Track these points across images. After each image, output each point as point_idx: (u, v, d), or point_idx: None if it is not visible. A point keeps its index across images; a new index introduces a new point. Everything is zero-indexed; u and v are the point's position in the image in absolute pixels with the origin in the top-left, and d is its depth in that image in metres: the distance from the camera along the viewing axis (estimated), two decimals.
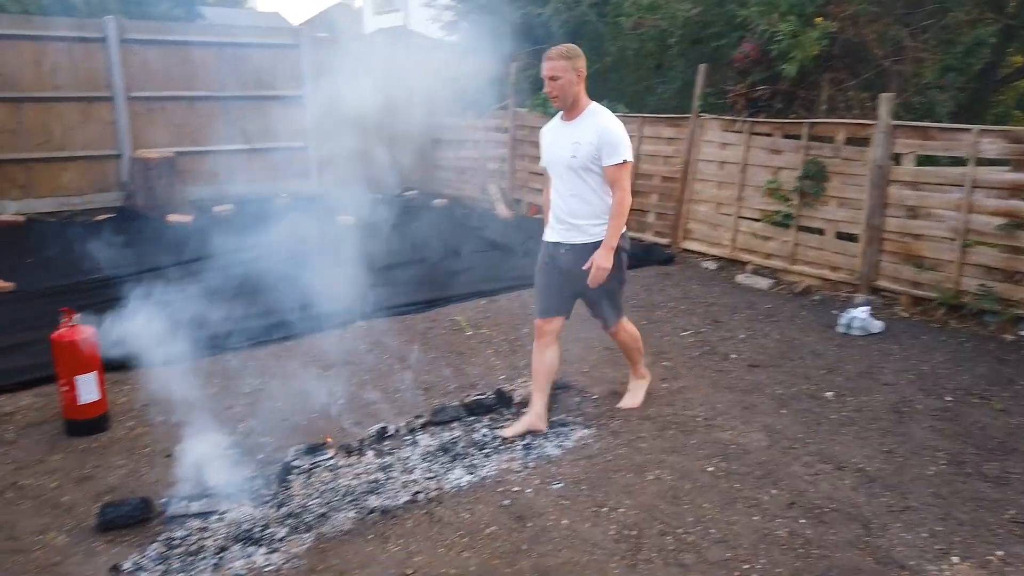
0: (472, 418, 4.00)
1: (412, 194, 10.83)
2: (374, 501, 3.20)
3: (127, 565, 2.74)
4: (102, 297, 5.76)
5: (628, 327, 4.03)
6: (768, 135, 6.86)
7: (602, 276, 3.59)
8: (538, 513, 3.12)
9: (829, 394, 4.30)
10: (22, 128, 8.22)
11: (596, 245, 3.62)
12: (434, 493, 3.26)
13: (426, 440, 3.75)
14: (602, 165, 3.57)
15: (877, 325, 5.29)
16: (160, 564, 2.77)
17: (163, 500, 3.14)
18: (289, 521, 3.05)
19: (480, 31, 10.84)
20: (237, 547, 2.88)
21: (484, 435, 3.81)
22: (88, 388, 3.69)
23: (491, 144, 10.36)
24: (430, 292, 6.29)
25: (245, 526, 3.01)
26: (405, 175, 11.47)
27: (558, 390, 4.26)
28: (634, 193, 8.37)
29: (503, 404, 4.13)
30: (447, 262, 7.41)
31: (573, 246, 3.70)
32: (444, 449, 3.67)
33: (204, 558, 2.81)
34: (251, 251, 7.11)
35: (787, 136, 6.70)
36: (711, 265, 7.19)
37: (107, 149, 8.75)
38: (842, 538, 2.94)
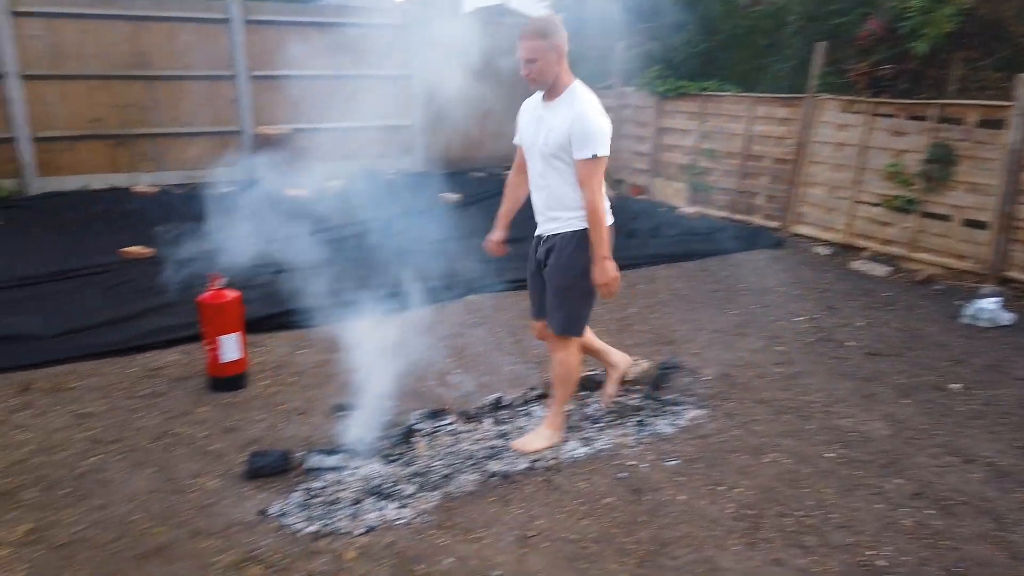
0: (584, 392, 4.08)
1: None
2: (494, 466, 3.33)
3: (273, 510, 2.97)
4: (231, 264, 6.15)
5: (573, 353, 3.43)
6: (891, 116, 6.58)
7: (611, 289, 3.19)
8: (654, 487, 3.17)
9: (955, 386, 4.15)
10: (156, 105, 8.77)
11: (574, 235, 3.20)
12: (551, 462, 3.37)
13: (540, 412, 3.86)
14: (573, 157, 3.07)
15: (1007, 317, 5.04)
16: (302, 511, 2.98)
17: (301, 454, 3.37)
18: (416, 479, 3.22)
19: (584, 8, 10.81)
20: (370, 500, 3.07)
21: (596, 409, 3.89)
22: (230, 347, 3.97)
23: None
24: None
25: (376, 481, 3.20)
26: (507, 154, 11.61)
27: (669, 370, 4.28)
28: (743, 175, 8.36)
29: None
30: None
31: (551, 237, 3.27)
32: None
33: (341, 508, 3.01)
34: (362, 224, 7.41)
35: (912, 118, 6.41)
36: (824, 250, 6.99)
37: (230, 125, 9.23)
38: (972, 531, 2.87)
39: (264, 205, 8.31)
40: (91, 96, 8.42)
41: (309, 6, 10.13)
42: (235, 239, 6.91)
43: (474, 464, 3.36)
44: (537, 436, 3.50)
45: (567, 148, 3.06)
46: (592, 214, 3.10)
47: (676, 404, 3.94)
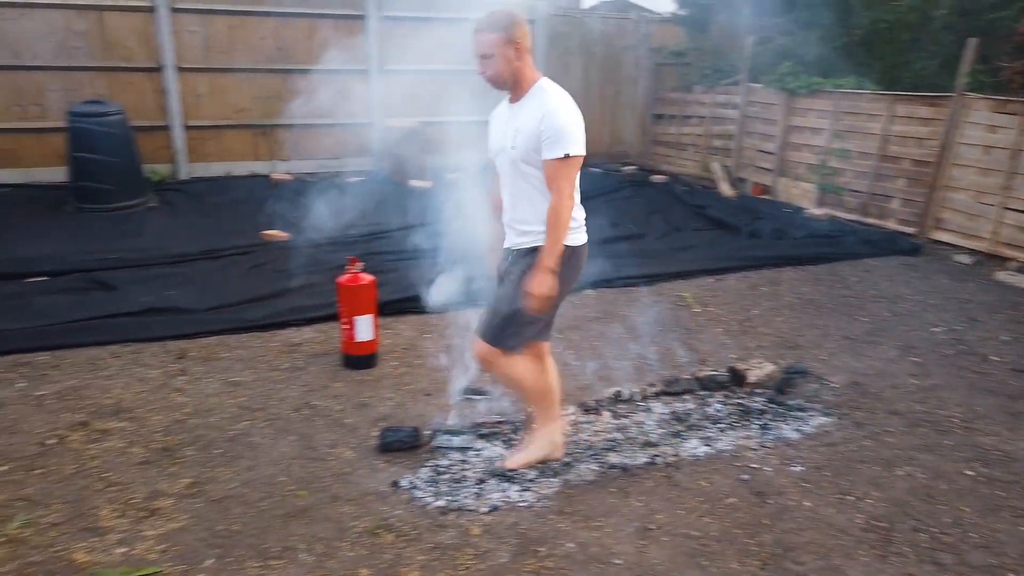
0: (705, 392, 4.05)
1: (630, 169, 10.88)
2: (614, 458, 3.38)
3: (404, 483, 3.14)
4: (361, 250, 6.47)
5: (508, 369, 3.04)
6: None
7: (541, 306, 2.82)
8: (778, 491, 3.13)
9: None
10: (294, 97, 9.27)
11: (527, 252, 2.90)
12: (672, 459, 3.37)
13: (659, 408, 3.87)
14: (541, 158, 2.74)
15: None
16: (431, 486, 3.13)
17: (429, 432, 3.53)
18: (537, 465, 3.31)
19: (712, 3, 10.58)
20: (493, 481, 3.18)
21: (718, 410, 3.85)
22: (365, 328, 4.20)
23: (717, 120, 10.12)
24: (653, 266, 6.34)
25: (499, 464, 3.31)
26: (624, 150, 11.55)
27: (794, 375, 4.18)
28: (878, 176, 7.97)
29: (736, 382, 4.13)
30: (669, 238, 7.41)
31: (518, 251, 2.95)
32: (679, 419, 3.76)
33: (466, 486, 3.14)
34: (480, 216, 7.58)
35: None
36: (965, 259, 6.59)
37: (361, 118, 9.65)
38: None
39: (390, 195, 8.68)
40: (238, 88, 9.02)
41: (441, 2, 10.42)
42: (363, 226, 7.27)
43: (593, 454, 3.41)
44: (531, 446, 3.26)
45: (538, 150, 2.74)
46: (553, 217, 2.74)
47: (801, 410, 3.85)
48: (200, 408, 3.74)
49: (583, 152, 2.77)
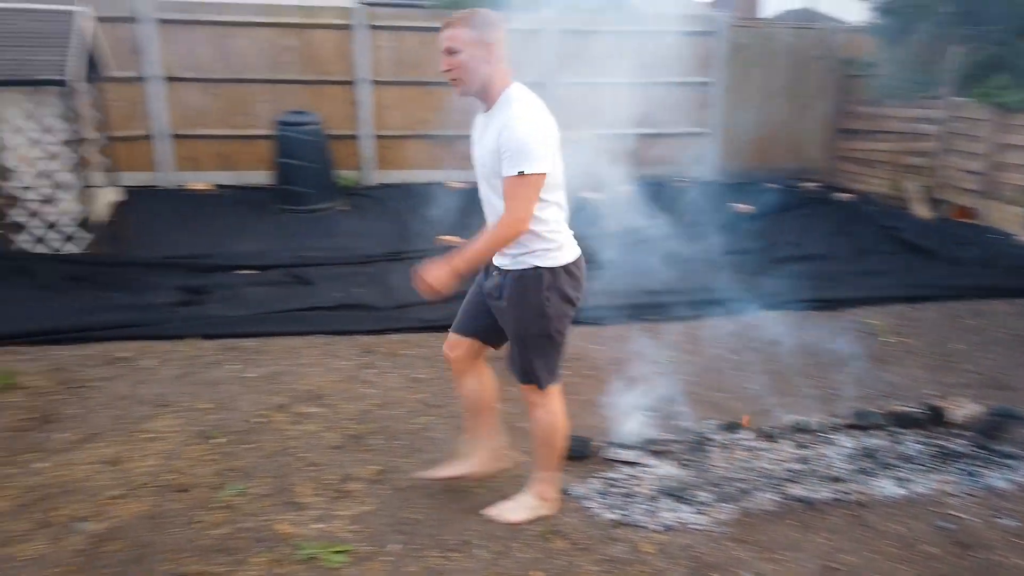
0: (898, 429, 3.76)
1: (812, 186, 10.34)
2: (795, 489, 3.21)
3: (575, 492, 3.16)
4: None
5: (553, 406, 2.90)
6: None
7: (423, 288, 2.60)
8: (985, 545, 2.84)
9: None
10: (472, 109, 9.63)
11: (518, 274, 2.67)
12: (860, 497, 3.16)
13: (845, 442, 3.64)
14: (500, 175, 2.51)
15: None
16: (602, 498, 3.14)
17: (600, 443, 3.53)
18: (712, 489, 3.21)
19: (909, 11, 9.83)
20: (666, 500, 3.13)
21: (914, 449, 3.56)
22: None
23: (913, 136, 9.38)
24: (837, 290, 5.98)
25: (671, 483, 3.25)
26: (806, 166, 10.99)
27: (1003, 418, 3.78)
28: None
29: (935, 421, 3.81)
30: (854, 261, 6.97)
31: (500, 271, 2.74)
32: (868, 455, 3.52)
33: (637, 502, 3.11)
34: (647, 230, 7.50)
35: None
36: None
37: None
38: None
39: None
40: (422, 100, 9.51)
41: (615, 14, 10.46)
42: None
43: (773, 484, 3.27)
44: (519, 505, 2.99)
45: (498, 165, 2.50)
46: (494, 231, 2.53)
47: (1013, 458, 3.48)
48: (386, 400, 3.97)
49: (542, 170, 2.47)
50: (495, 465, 3.16)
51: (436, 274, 2.56)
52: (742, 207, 8.70)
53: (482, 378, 3.05)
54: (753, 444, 3.60)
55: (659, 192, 9.56)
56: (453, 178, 9.75)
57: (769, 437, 3.67)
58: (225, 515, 2.91)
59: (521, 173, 2.43)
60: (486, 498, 3.08)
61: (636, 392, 4.01)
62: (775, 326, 5.23)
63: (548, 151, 2.50)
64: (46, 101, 6.06)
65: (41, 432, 3.50)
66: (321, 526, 2.87)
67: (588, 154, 9.33)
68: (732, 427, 3.73)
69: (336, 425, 3.67)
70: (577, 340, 4.87)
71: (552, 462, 2.96)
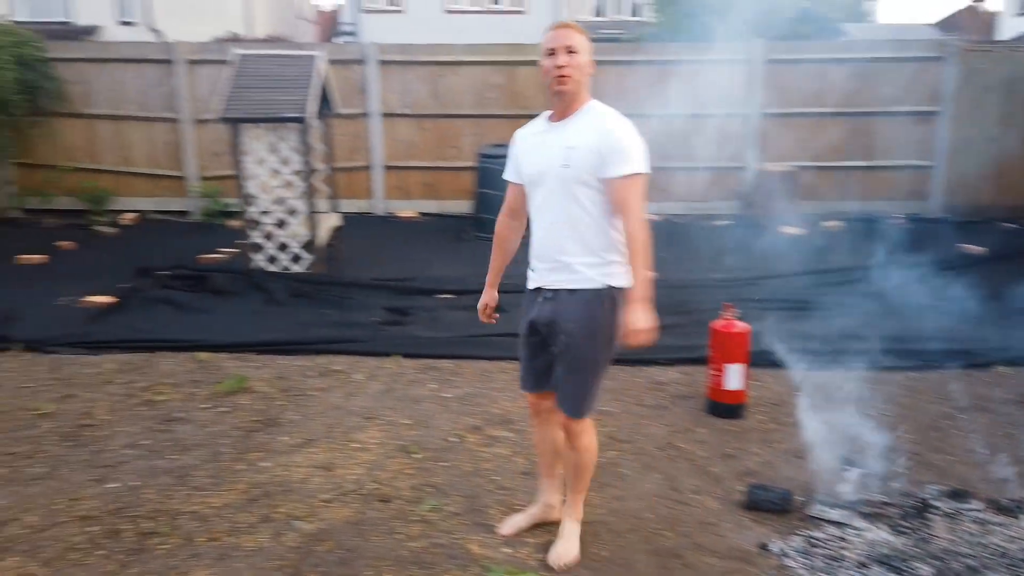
0: None
1: None
2: None
3: (774, 548, 2.96)
4: (729, 295, 6.35)
5: (592, 434, 2.85)
6: None
7: (643, 339, 2.48)
8: None
9: None
10: (670, 141, 9.52)
11: (590, 293, 2.59)
12: None
13: None
14: (605, 177, 2.51)
15: None
16: (804, 557, 2.91)
17: (801, 498, 3.29)
18: (934, 562, 2.87)
19: None
20: (878, 569, 2.85)
21: None
22: (735, 377, 4.10)
23: None
24: None
25: (884, 550, 2.95)
26: None
27: None
28: None
29: None
30: None
31: (557, 292, 2.65)
32: None
33: (845, 567, 2.85)
34: (862, 270, 6.95)
35: None
36: None
37: (735, 161, 9.56)
38: None
39: (757, 241, 8.44)
40: None
41: (832, 44, 9.93)
42: (730, 271, 7.15)
43: (1010, 565, 2.86)
44: (568, 538, 2.91)
45: (597, 168, 2.51)
46: (636, 240, 2.50)
47: None
48: None
49: (649, 171, 2.56)
50: (559, 511, 3.08)
51: (643, 320, 2.49)
52: (972, 248, 7.83)
53: (557, 426, 2.96)
54: (985, 517, 3.18)
55: (874, 229, 8.88)
56: (649, 210, 9.68)
57: (1006, 511, 3.23)
58: (421, 529, 3.05)
59: (635, 173, 2.51)
60: (674, 543, 2.98)
61: (845, 446, 3.71)
62: (1010, 383, 4.63)
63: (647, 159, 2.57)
64: (286, 136, 6.81)
65: (266, 433, 3.88)
66: (509, 551, 2.92)
67: (789, 187, 8.89)
68: (959, 495, 3.32)
69: (524, 451, 3.73)
70: (777, 384, 4.61)
71: (585, 487, 2.98)
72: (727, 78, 9.36)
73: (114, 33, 21.60)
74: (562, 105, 2.63)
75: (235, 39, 13.89)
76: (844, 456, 3.64)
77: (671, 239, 8.53)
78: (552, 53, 2.57)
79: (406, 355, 4.99)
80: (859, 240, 8.38)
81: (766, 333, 5.35)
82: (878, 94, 9.31)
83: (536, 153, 2.69)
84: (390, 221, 9.37)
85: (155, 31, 20.57)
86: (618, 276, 2.64)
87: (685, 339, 5.31)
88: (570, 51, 2.55)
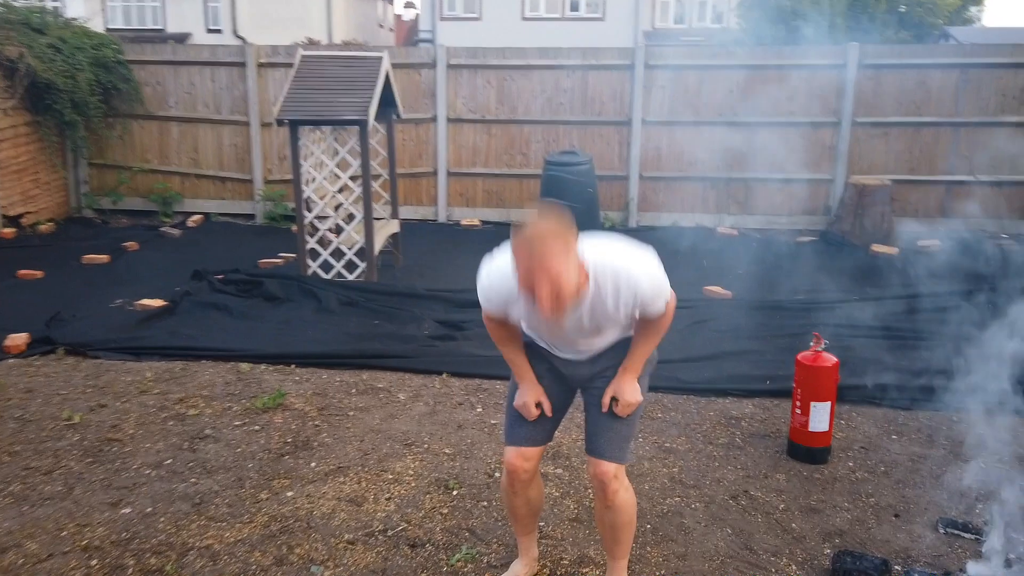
0: None
1: None
2: None
3: None
4: (812, 319, 5.78)
5: (629, 484, 2.56)
6: None
7: (629, 411, 2.44)
8: None
9: None
10: (752, 150, 8.95)
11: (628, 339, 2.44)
12: None
13: None
14: (644, 315, 2.34)
15: None
16: None
17: (902, 569, 2.78)
18: None
19: None
20: None
21: None
22: (821, 417, 3.58)
23: None
24: None
25: None
26: None
27: None
28: None
29: None
30: None
31: (601, 353, 2.47)
32: None
33: None
34: (963, 294, 6.24)
35: None
36: None
37: (823, 173, 8.89)
38: None
39: (845, 260, 7.77)
40: (695, 140, 9.01)
41: (936, 47, 9.16)
42: (814, 292, 6.54)
43: None
44: None
45: (625, 318, 2.31)
46: (657, 333, 2.39)
47: None
48: (633, 472, 3.53)
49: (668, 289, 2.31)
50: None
51: (637, 393, 2.44)
52: None
53: (539, 483, 2.69)
54: None
55: (977, 249, 8.08)
56: (724, 223, 9.11)
57: None
58: None
59: (668, 297, 2.32)
60: None
61: (951, 501, 3.16)
62: None
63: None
64: (346, 139, 6.61)
65: (297, 458, 3.59)
66: None
67: (883, 202, 8.17)
68: None
69: (576, 492, 3.32)
70: (870, 426, 4.06)
71: (630, 544, 2.65)
72: (818, 84, 8.71)
73: (203, 40, 22.29)
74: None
75: (311, 44, 13.96)
76: (951, 516, 3.10)
77: (751, 256, 7.94)
78: (529, 287, 2.04)
79: (454, 373, 4.65)
80: (960, 261, 7.62)
81: (857, 364, 4.79)
82: (983, 103, 8.50)
83: (545, 328, 2.39)
84: (452, 229, 9.09)
85: (240, 38, 21.08)
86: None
87: (764, 368, 4.79)
88: (551, 275, 1.99)
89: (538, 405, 2.48)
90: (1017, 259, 7.68)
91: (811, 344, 3.64)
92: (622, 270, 2.20)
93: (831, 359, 3.62)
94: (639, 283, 2.20)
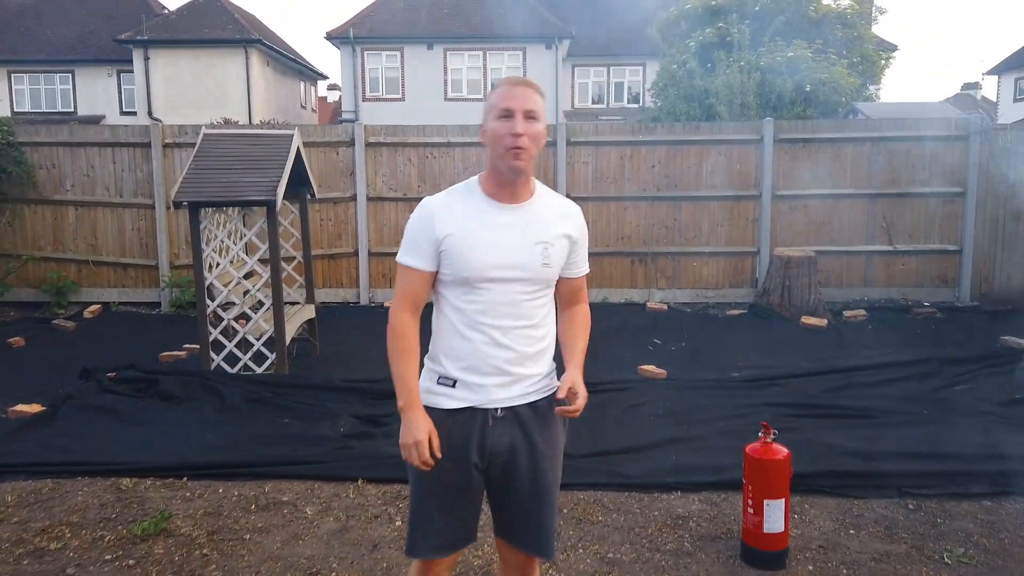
0: None
1: None
2: None
3: None
4: (751, 398, 5.55)
5: None
6: None
7: (575, 414, 2.13)
8: None
9: None
10: (678, 224, 8.92)
11: (546, 402, 2.18)
12: None
13: None
14: (574, 275, 2.27)
15: None
16: None
17: None
18: None
19: None
20: None
21: None
22: (776, 516, 3.25)
23: None
24: None
25: None
26: None
27: None
28: None
29: None
30: None
31: (513, 411, 2.13)
32: None
33: None
34: (897, 367, 6.15)
35: None
36: None
37: (747, 246, 8.90)
38: None
39: (778, 333, 7.67)
40: (621, 215, 8.95)
41: (847, 122, 9.45)
42: (750, 368, 6.34)
43: None
44: None
45: (566, 264, 2.22)
46: (587, 324, 2.30)
47: None
48: None
49: None
50: None
51: (584, 392, 2.14)
52: (1017, 341, 7.03)
53: None
54: None
55: (903, 319, 8.14)
56: (654, 298, 8.97)
57: None
58: None
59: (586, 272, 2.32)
60: None
61: None
62: None
63: None
64: (255, 221, 6.17)
65: None
66: None
67: (809, 273, 8.18)
68: None
69: None
70: (825, 519, 3.74)
71: None
72: (736, 158, 8.81)
73: (117, 122, 21.60)
74: (515, 183, 2.12)
75: (226, 124, 13.56)
76: None
77: (679, 331, 7.78)
78: (508, 115, 2.05)
79: (371, 479, 4.15)
80: (889, 332, 7.62)
81: (802, 449, 4.52)
82: (895, 174, 8.73)
83: (493, 243, 2.09)
84: (375, 311, 8.64)
85: (155, 120, 20.49)
86: (554, 375, 2.24)
87: (707, 457, 4.47)
88: (529, 117, 2.05)
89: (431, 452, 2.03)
90: (942, 328, 7.75)
91: (759, 434, 3.34)
92: (569, 203, 2.26)
93: (782, 451, 3.32)
94: (581, 222, 2.24)
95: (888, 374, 6.03)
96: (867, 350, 6.94)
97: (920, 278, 8.86)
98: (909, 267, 8.85)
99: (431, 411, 2.09)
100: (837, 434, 4.76)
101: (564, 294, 2.30)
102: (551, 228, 2.14)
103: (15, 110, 23.32)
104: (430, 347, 2.19)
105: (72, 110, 24.04)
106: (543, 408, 2.17)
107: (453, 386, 2.11)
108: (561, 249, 2.16)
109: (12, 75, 23.93)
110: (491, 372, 2.10)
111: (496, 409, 2.11)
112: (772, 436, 3.31)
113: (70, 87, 24.16)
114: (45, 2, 25.54)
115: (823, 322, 7.80)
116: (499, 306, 2.09)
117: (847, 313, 8.23)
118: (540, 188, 2.21)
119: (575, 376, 2.13)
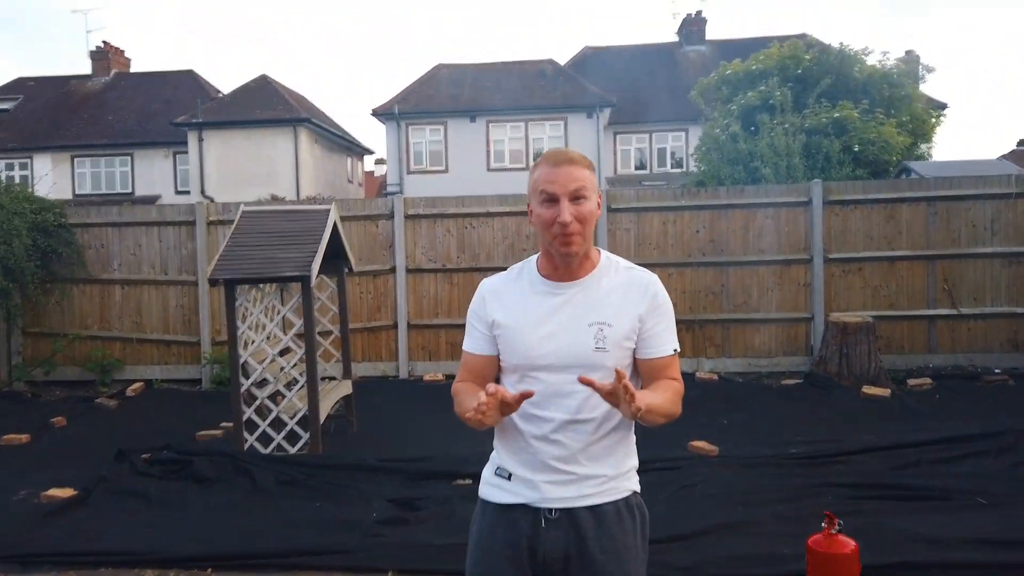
0: None
1: None
2: None
3: None
4: (810, 477, 5.15)
5: None
6: None
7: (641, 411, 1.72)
8: None
9: None
10: (725, 291, 8.63)
11: (626, 503, 1.94)
12: None
13: None
14: (651, 357, 1.94)
15: None
16: None
17: None
18: None
19: None
20: None
21: None
22: None
23: None
24: None
25: None
26: None
27: None
28: None
29: None
30: None
31: (570, 513, 1.91)
32: None
33: None
34: (963, 444, 5.66)
35: None
36: None
37: (800, 311, 8.54)
38: None
39: (835, 404, 7.23)
40: (667, 282, 8.68)
41: (901, 182, 9.13)
42: (808, 443, 5.93)
43: None
44: None
45: (636, 346, 1.94)
46: (677, 400, 1.91)
47: None
48: None
49: None
50: None
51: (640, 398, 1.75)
52: None
53: None
54: None
55: (966, 388, 7.62)
56: (703, 368, 8.62)
57: None
58: None
59: (676, 350, 1.98)
60: None
61: None
62: None
63: None
64: (290, 297, 6.12)
65: None
66: None
67: (868, 340, 7.76)
68: None
69: None
70: None
71: None
72: (785, 221, 8.54)
73: (172, 201, 22.38)
74: (569, 266, 1.96)
75: (273, 200, 13.86)
76: None
77: (731, 403, 7.39)
78: (552, 199, 1.89)
79: (402, 570, 3.89)
80: (958, 401, 7.12)
81: (873, 536, 4.11)
82: (958, 234, 8.34)
83: (541, 328, 1.94)
84: (414, 385, 8.47)
85: (207, 198, 21.17)
86: (634, 477, 2.01)
87: (764, 545, 4.09)
88: (576, 197, 1.88)
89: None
90: (1016, 396, 7.21)
91: (823, 524, 3.01)
92: (642, 273, 2.00)
93: (849, 543, 2.98)
94: (657, 291, 1.97)
95: (960, 449, 5.56)
96: (935, 422, 6.46)
97: (988, 343, 8.33)
98: (976, 331, 8.35)
99: (486, 505, 1.99)
100: (907, 519, 4.34)
101: (645, 379, 1.98)
102: (611, 306, 1.93)
103: (76, 192, 24.37)
104: (494, 437, 2.05)
105: (130, 191, 25.03)
106: (608, 514, 1.92)
107: (508, 479, 1.96)
108: (623, 329, 1.93)
109: (75, 159, 25.12)
110: (541, 469, 1.93)
111: (550, 509, 1.91)
112: (837, 527, 2.98)
113: (128, 169, 25.22)
114: (109, 89, 27.02)
115: (886, 392, 7.34)
116: (551, 397, 1.91)
117: (911, 381, 7.75)
118: (605, 260, 2.02)
119: (644, 392, 1.83)
